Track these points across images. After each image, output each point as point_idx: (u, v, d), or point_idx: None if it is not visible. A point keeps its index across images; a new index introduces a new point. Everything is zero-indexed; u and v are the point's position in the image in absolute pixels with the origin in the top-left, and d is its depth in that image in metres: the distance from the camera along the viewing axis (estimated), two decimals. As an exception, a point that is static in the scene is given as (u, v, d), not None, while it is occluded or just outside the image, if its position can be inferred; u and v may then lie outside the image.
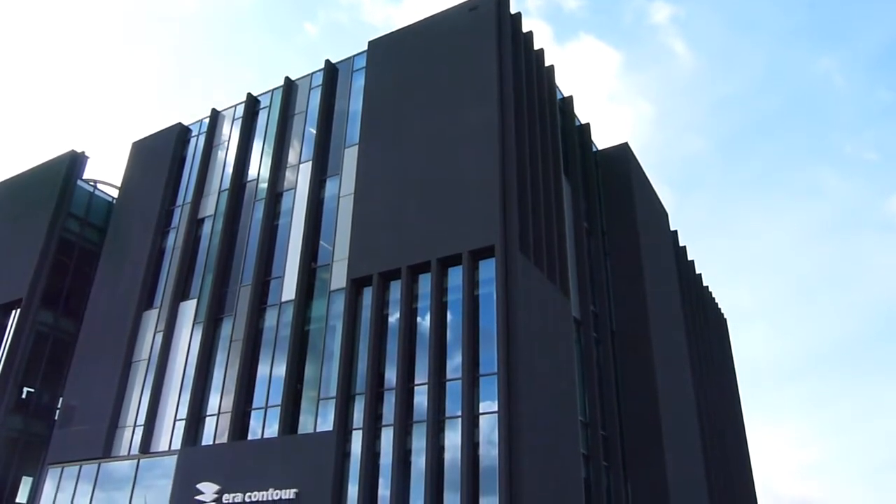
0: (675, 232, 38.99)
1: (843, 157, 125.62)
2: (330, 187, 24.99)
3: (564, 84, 26.85)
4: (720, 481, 35.10)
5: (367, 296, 21.75)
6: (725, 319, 49.12)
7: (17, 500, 29.68)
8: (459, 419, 18.54)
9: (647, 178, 32.94)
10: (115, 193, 33.89)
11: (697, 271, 42.63)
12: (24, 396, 29.80)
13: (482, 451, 18.20)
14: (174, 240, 28.16)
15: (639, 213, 29.47)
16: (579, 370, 23.72)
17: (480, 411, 18.61)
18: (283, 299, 23.68)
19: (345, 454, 19.89)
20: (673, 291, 33.89)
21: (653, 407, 25.68)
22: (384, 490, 18.89)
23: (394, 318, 21.03)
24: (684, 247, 40.40)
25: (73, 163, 33.08)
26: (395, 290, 21.32)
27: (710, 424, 35.89)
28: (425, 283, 20.92)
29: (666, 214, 36.32)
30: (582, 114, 28.99)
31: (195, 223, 27.92)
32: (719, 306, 47.68)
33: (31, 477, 29.76)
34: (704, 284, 43.77)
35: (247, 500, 20.35)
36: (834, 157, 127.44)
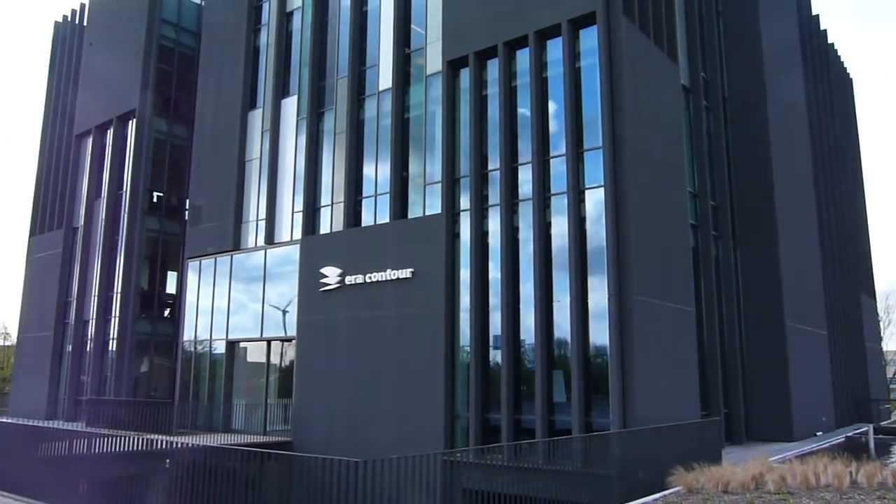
0: (799, -17, 35.02)
1: None
2: (416, -36, 23.63)
3: None
4: (835, 253, 34.42)
5: (465, 77, 21.26)
6: (851, 79, 45.28)
7: (167, 291, 33.37)
8: (565, 196, 18.62)
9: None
10: (201, -5, 33.56)
11: (822, 26, 38.77)
12: (154, 200, 32.25)
13: (589, 227, 18.40)
14: (266, 37, 27.98)
15: (757, -36, 26.43)
16: (688, 140, 22.91)
17: (586, 186, 18.57)
18: (381, 88, 23.56)
19: (454, 235, 20.68)
20: (793, 52, 31.18)
21: (766, 176, 24.83)
22: (494, 272, 19.74)
23: (493, 97, 20.60)
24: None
25: (155, -32, 32.63)
26: (493, 69, 20.67)
27: (828, 194, 34.53)
28: (523, 59, 20.13)
29: (789, -37, 32.45)
30: None
31: (285, 17, 27.47)
32: (844, 65, 43.76)
33: (174, 272, 33.06)
34: (829, 41, 39.93)
35: (367, 280, 21.88)
36: None
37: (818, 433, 25.43)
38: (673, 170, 20.79)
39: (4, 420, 18.85)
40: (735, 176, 25.19)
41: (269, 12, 28.10)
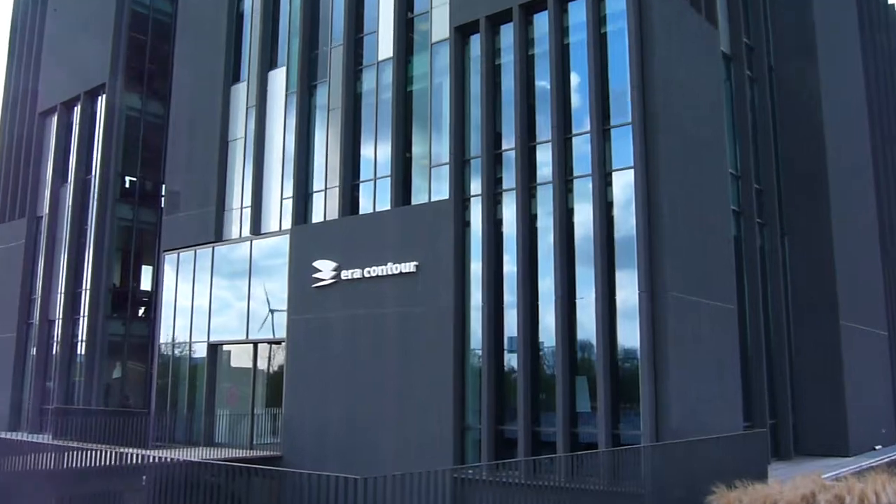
0: (855, -64, 34.68)
1: None
2: (420, -83, 23.55)
3: None
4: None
5: (475, 45, 21.19)
6: (914, 46, 44.92)
7: (142, 288, 33.48)
8: (589, 179, 18.54)
9: None
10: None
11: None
12: (126, 186, 32.35)
13: (617, 214, 18.34)
14: (251, 0, 27.92)
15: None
16: (729, 115, 22.78)
17: (613, 168, 18.48)
18: (380, 58, 23.51)
19: (464, 223, 20.64)
20: (848, 15, 30.94)
21: (818, 156, 24.64)
22: (510, 266, 19.68)
23: (507, 67, 20.51)
24: (866, -45, 36.13)
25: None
26: (507, 35, 20.58)
27: (889, 175, 34.33)
28: (542, 24, 20.03)
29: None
30: None
31: (272, -23, 27.46)
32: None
33: (149, 266, 33.17)
34: (890, 2, 39.61)
35: (365, 275, 21.86)
36: None
37: (877, 447, 25.32)
38: (712, 149, 20.67)
39: (-39, 432, 19.00)
40: (783, 156, 25.03)
41: (255, -27, 28.07)
